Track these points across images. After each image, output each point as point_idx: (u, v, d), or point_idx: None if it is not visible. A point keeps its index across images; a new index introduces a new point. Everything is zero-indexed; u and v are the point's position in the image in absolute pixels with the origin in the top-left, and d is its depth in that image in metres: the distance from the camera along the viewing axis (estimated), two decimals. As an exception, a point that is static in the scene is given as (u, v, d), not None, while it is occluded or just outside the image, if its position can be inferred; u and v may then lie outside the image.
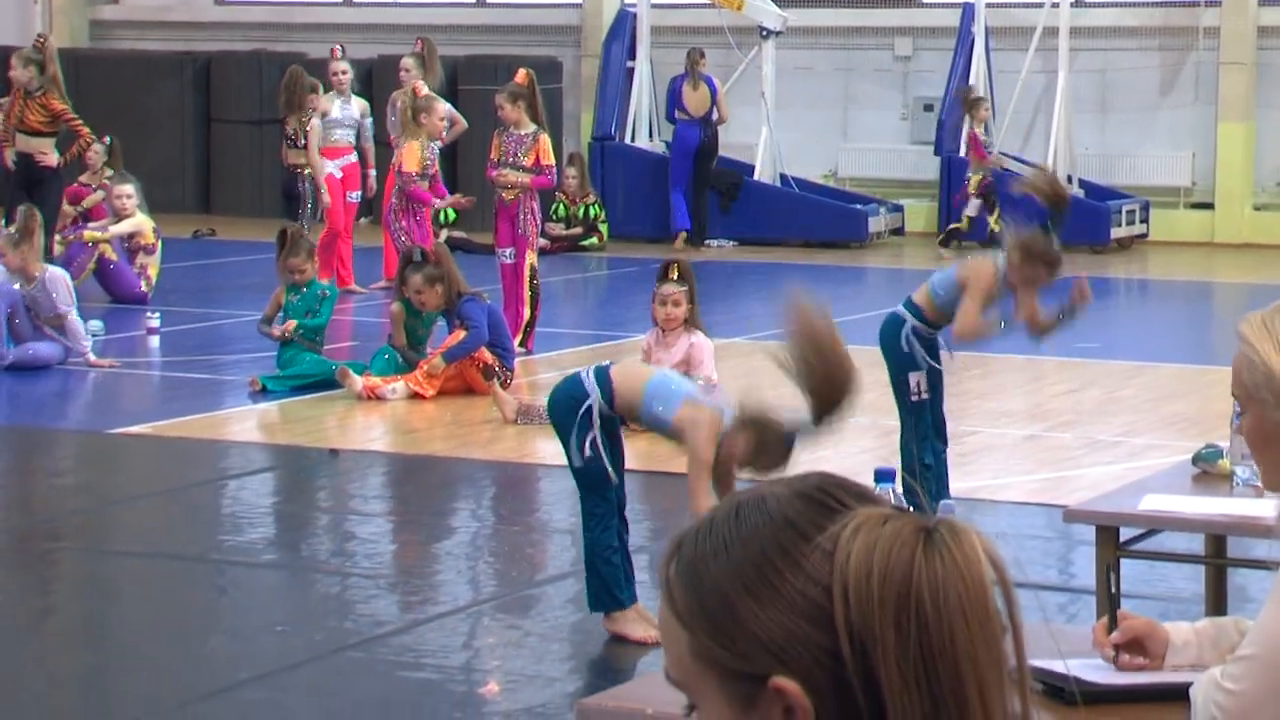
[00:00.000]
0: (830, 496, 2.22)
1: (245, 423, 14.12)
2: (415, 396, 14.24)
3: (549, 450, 12.87)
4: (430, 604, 9.79)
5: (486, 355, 14.38)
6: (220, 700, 8.14)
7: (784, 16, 24.66)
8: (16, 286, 15.43)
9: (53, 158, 18.68)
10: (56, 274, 15.69)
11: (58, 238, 18.29)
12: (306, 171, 19.11)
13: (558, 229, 23.74)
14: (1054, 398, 14.64)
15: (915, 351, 10.23)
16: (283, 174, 19.79)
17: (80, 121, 19.04)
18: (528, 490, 12.48)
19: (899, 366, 10.37)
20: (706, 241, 23.94)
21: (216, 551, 10.82)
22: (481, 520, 11.83)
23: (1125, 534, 7.18)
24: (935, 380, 10.42)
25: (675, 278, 13.70)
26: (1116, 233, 24.00)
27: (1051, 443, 13.13)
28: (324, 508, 12.12)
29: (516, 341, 15.34)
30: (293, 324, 14.67)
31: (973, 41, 24.62)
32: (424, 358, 14.54)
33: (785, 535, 2.20)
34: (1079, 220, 23.81)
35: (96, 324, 16.44)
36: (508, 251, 16.27)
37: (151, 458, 13.04)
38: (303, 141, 19.09)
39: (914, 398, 10.24)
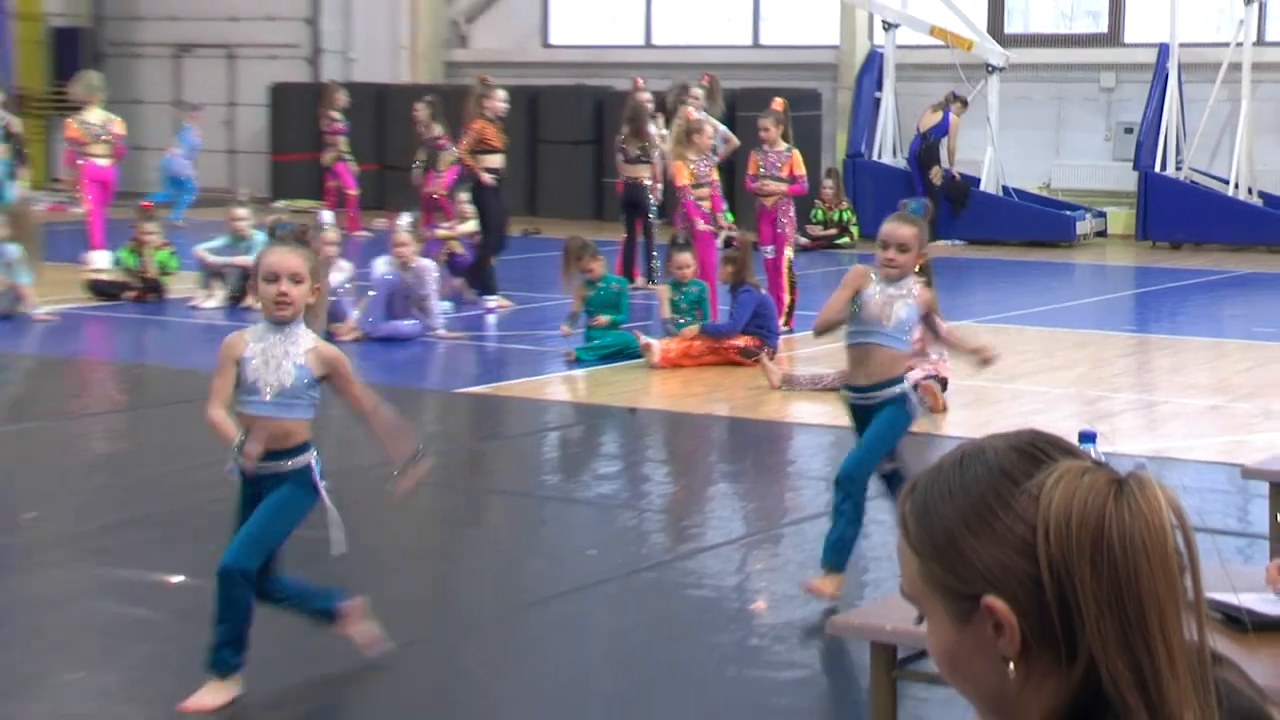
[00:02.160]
0: (1039, 450, 2.24)
1: (561, 386, 14.22)
2: (664, 362, 14.36)
3: (807, 411, 12.88)
4: (708, 536, 9.81)
5: (739, 341, 14.42)
6: (540, 610, 8.21)
7: (1006, 55, 24.73)
8: (397, 274, 15.86)
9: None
10: (426, 264, 16.12)
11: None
12: (646, 183, 19.08)
13: (816, 230, 23.83)
14: (1236, 374, 14.34)
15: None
16: (628, 187, 19.49)
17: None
18: (788, 445, 12.47)
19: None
20: (939, 240, 23.83)
21: (539, 489, 10.93)
22: (750, 469, 11.82)
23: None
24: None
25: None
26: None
27: (1232, 412, 12.85)
28: (623, 456, 12.19)
29: (781, 322, 15.34)
30: (606, 319, 14.84)
31: (1167, 75, 24.30)
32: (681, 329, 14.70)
33: (1001, 483, 2.23)
34: (1260, 225, 23.80)
35: (446, 304, 16.66)
36: (769, 249, 16.23)
37: (488, 413, 13.18)
38: (644, 158, 19.04)
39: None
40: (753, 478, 11.52)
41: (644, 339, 14.67)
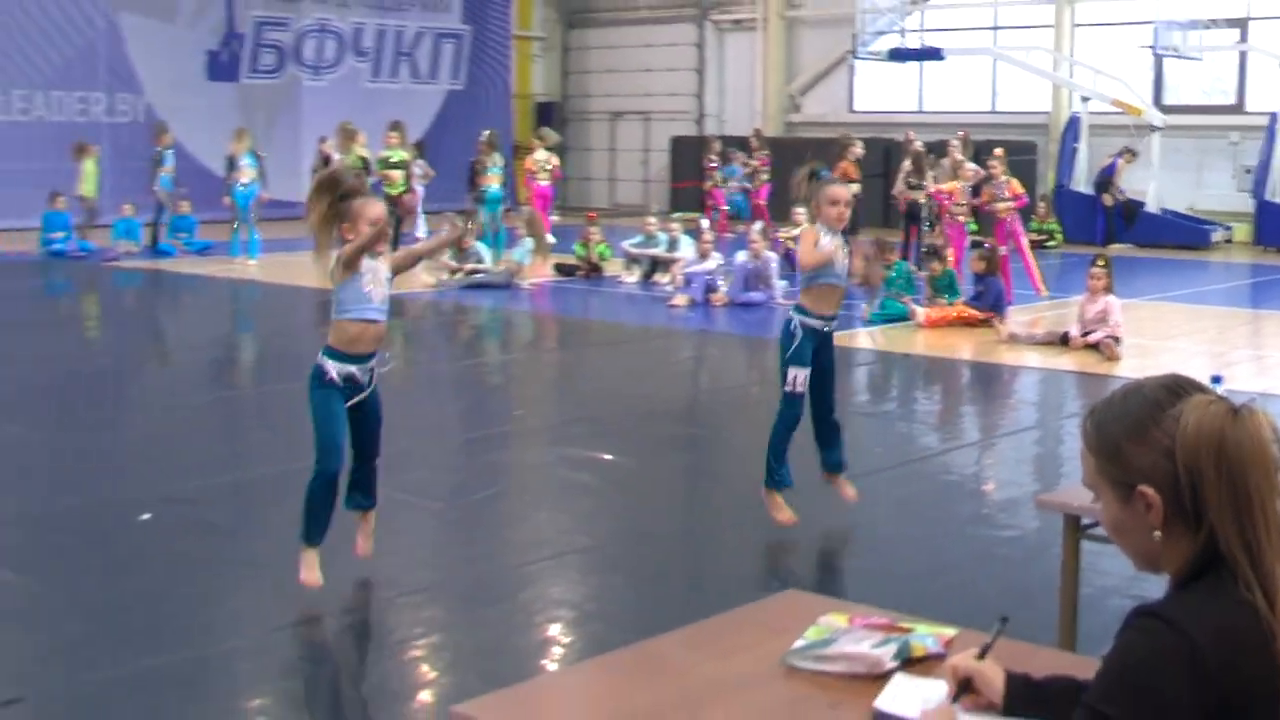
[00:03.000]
0: (1180, 387, 2.27)
1: (860, 338, 14.13)
2: (927, 323, 14.20)
3: (1024, 358, 12.63)
4: (954, 440, 9.73)
5: (974, 314, 14.24)
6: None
7: (1164, 119, 23.95)
8: (750, 261, 15.96)
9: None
10: (770, 255, 16.13)
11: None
12: (921, 202, 18.90)
13: (1032, 236, 23.24)
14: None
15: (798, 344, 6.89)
16: (909, 205, 19.29)
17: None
18: (1011, 380, 12.22)
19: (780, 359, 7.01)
20: (1117, 244, 23.19)
21: (844, 405, 10.88)
22: (984, 395, 11.64)
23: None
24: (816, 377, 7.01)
25: (1101, 264, 13.32)
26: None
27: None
28: (898, 384, 12.10)
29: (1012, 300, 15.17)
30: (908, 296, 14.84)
31: (1275, 133, 23.27)
32: (950, 302, 14.53)
33: (1153, 409, 2.25)
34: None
35: (784, 283, 16.59)
36: (1003, 248, 15.98)
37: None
38: (919, 185, 18.82)
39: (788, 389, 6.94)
40: (985, 401, 11.37)
41: (913, 306, 14.58)
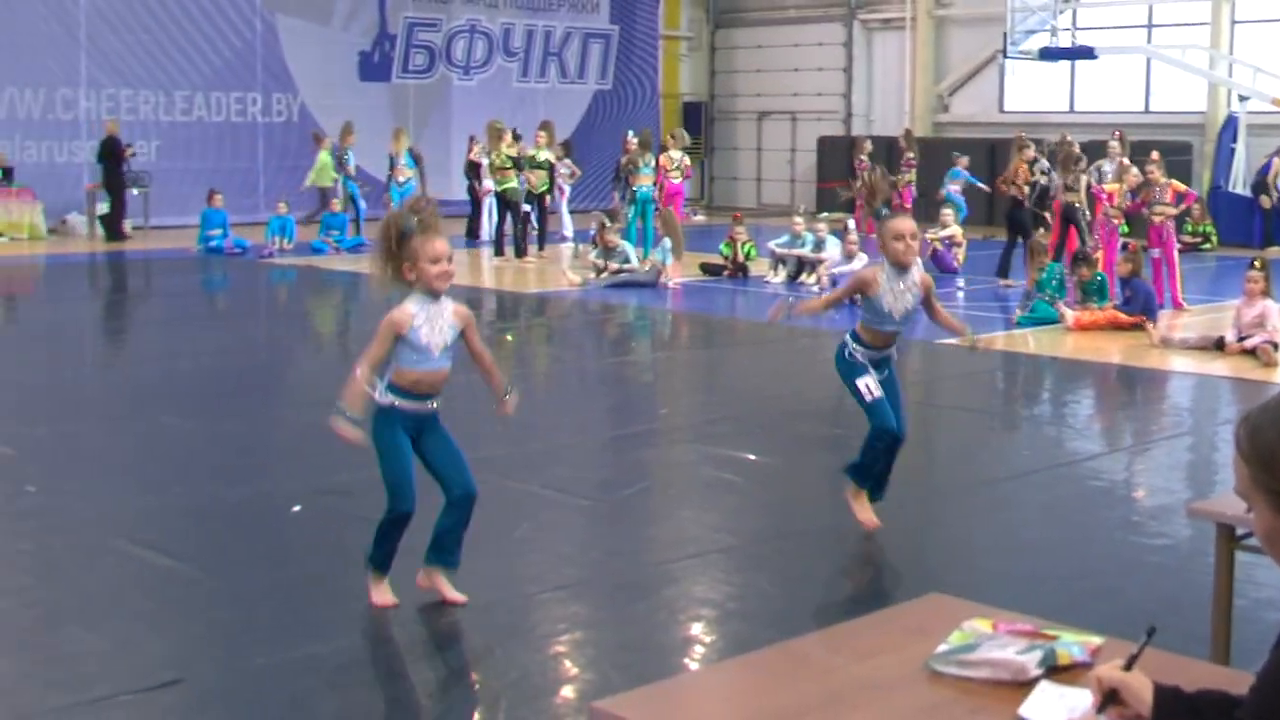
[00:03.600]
0: None
1: (1007, 341, 13.92)
2: (1076, 325, 13.98)
3: (1176, 363, 12.38)
4: (1105, 445, 9.58)
5: (1124, 318, 13.95)
6: (990, 486, 8.10)
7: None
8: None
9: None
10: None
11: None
12: (1078, 205, 18.60)
13: (1187, 238, 22.69)
14: None
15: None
16: (1065, 206, 18.89)
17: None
18: (1162, 384, 11.98)
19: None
20: (1275, 246, 22.54)
21: (991, 408, 10.78)
22: (1135, 400, 11.41)
23: None
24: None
25: (1258, 267, 13.00)
26: None
27: None
28: (1048, 389, 11.92)
29: (1163, 303, 14.85)
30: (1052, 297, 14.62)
31: None
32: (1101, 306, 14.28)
33: None
34: None
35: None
36: (1155, 251, 15.65)
37: (952, 357, 12.94)
38: (1073, 188, 18.54)
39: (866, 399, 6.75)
40: (1136, 406, 11.14)
41: (1062, 309, 14.36)
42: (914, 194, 24.04)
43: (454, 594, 5.80)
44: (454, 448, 5.68)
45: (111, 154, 23.12)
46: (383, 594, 5.76)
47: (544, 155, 21.01)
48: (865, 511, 6.96)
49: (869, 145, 25.37)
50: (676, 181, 21.42)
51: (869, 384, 6.73)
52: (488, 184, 22.27)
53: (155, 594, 6.02)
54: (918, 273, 6.71)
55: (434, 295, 5.54)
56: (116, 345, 13.74)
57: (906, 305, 6.70)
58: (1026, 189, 18.05)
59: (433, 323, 5.54)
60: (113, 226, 23.07)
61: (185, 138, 25.43)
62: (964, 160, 24.07)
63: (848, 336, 6.84)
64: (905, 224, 6.64)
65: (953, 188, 23.07)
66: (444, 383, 5.63)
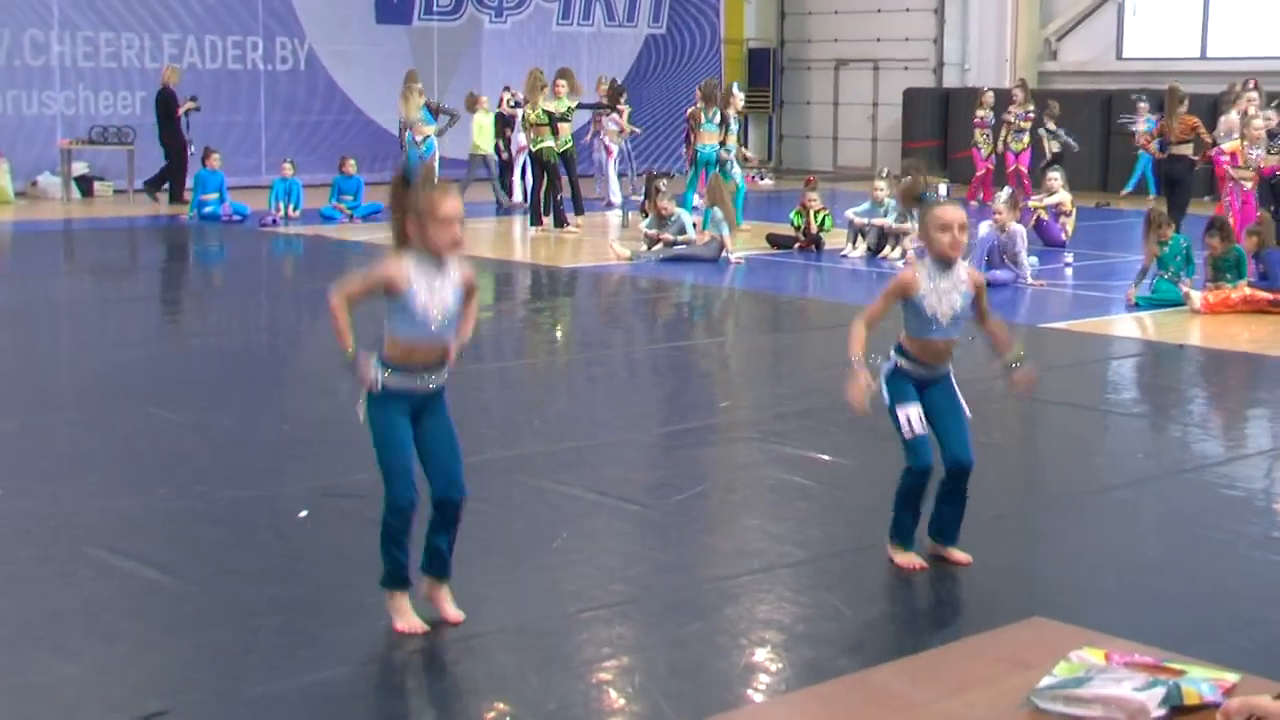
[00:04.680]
0: None
1: (1123, 325, 13.85)
2: (1205, 309, 13.92)
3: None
4: (1241, 448, 9.49)
5: (1263, 295, 13.87)
6: (1099, 496, 8.02)
7: None
8: (996, 234, 15.86)
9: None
10: (1018, 229, 16.01)
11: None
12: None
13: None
14: None
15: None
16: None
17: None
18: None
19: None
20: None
21: (1103, 404, 10.71)
22: (1275, 396, 11.33)
23: None
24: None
25: None
26: None
27: None
28: (1171, 381, 11.82)
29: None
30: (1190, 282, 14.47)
31: None
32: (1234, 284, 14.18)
33: None
34: None
35: (1034, 259, 16.41)
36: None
37: (1064, 343, 12.91)
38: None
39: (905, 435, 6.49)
40: (1276, 403, 11.04)
41: (1187, 290, 14.25)
42: (1030, 159, 23.83)
43: (451, 611, 5.80)
44: (449, 439, 5.70)
45: (166, 108, 23.27)
46: (406, 618, 5.71)
47: (564, 107, 20.57)
48: (901, 555, 6.63)
49: (991, 97, 24.81)
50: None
51: (911, 417, 6.49)
52: (520, 139, 22.27)
53: (137, 612, 6.03)
54: (965, 269, 6.54)
55: (438, 260, 5.58)
56: (96, 327, 13.80)
57: (953, 306, 6.48)
58: (1190, 149, 18.25)
59: (433, 288, 5.57)
60: (174, 192, 23.37)
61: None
62: (1145, 108, 23.66)
63: (893, 350, 6.60)
64: (954, 213, 6.51)
65: (1142, 138, 22.18)
66: (444, 357, 5.65)
